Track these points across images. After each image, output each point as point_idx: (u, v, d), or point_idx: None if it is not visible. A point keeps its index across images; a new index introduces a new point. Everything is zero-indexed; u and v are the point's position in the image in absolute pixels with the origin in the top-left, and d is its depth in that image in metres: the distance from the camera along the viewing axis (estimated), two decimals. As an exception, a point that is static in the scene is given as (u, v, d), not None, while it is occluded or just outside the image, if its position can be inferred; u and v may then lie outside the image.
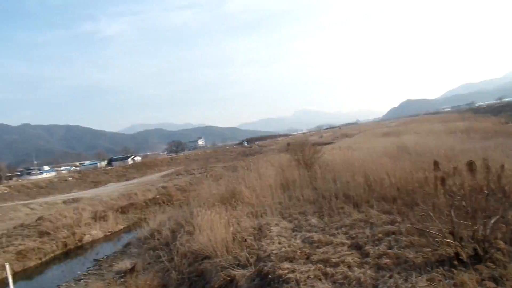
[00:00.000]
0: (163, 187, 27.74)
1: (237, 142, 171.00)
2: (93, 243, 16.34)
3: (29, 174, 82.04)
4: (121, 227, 18.58)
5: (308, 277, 6.54)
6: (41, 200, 28.05)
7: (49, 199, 28.44)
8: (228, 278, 8.10)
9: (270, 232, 9.99)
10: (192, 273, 9.32)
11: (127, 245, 14.20)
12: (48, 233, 16.38)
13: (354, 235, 8.59)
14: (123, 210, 20.31)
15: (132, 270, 10.76)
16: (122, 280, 10.14)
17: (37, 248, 14.36)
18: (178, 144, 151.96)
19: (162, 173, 41.50)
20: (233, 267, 8.34)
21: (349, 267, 6.75)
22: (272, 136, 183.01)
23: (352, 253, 7.45)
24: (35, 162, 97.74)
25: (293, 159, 19.68)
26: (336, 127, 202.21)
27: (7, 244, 14.93)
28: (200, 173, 35.94)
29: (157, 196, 24.00)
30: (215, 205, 13.43)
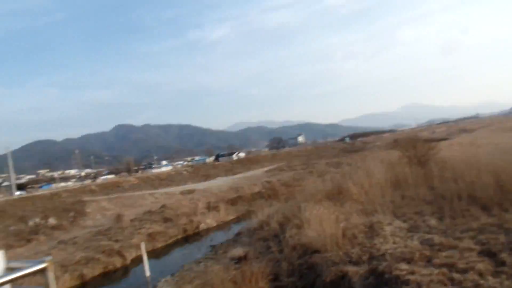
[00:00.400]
0: (268, 182, 28.72)
1: (338, 138, 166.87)
2: (208, 230, 17.85)
3: (150, 168, 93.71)
4: (231, 217, 19.89)
5: (431, 281, 6.08)
6: (162, 190, 31.76)
7: (169, 189, 32.02)
8: (340, 273, 8.03)
9: (383, 231, 9.57)
10: (302, 265, 9.49)
11: (238, 234, 15.11)
12: (171, 220, 18.48)
13: (484, 241, 7.65)
14: (232, 202, 21.71)
15: (245, 257, 11.45)
16: (236, 265, 10.86)
17: (163, 232, 16.36)
18: (279, 140, 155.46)
19: (265, 169, 43.02)
20: (345, 263, 8.25)
21: (481, 275, 6.06)
22: (376, 132, 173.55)
23: (483, 260, 6.66)
24: (155, 157, 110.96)
25: (403, 156, 18.42)
26: (450, 121, 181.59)
27: (140, 227, 17.32)
28: (302, 169, 36.19)
29: (263, 190, 24.98)
30: (321, 200, 13.43)
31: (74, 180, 77.22)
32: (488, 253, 6.99)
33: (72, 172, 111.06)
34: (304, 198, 15.35)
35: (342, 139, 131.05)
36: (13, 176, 52.85)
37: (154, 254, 14.46)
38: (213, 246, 14.05)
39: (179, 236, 16.78)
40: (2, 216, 21.41)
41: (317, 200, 13.18)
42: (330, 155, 54.30)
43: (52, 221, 21.07)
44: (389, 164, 17.76)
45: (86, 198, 25.72)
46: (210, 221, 18.58)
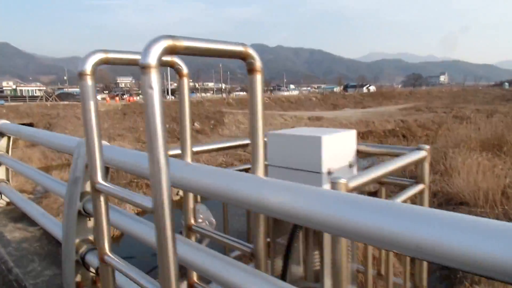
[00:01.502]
0: (402, 121, 26.60)
1: (494, 83, 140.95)
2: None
3: (279, 90, 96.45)
4: (360, 151, 19.38)
5: None
6: (291, 113, 32.57)
7: (297, 113, 32.64)
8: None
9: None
10: (442, 214, 8.81)
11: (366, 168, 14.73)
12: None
13: None
14: (362, 136, 20.96)
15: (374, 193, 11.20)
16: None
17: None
18: (417, 77, 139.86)
19: (399, 106, 39.69)
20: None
21: None
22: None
23: None
24: (285, 80, 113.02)
25: None
26: None
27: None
28: (444, 112, 32.17)
29: (397, 129, 23.32)
30: (474, 150, 11.81)
31: (211, 92, 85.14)
32: None
33: (210, 84, 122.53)
34: (451, 144, 13.74)
35: (499, 84, 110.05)
36: (168, 82, 61.28)
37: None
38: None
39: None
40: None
41: (469, 149, 11.64)
42: (481, 100, 46.56)
43: (197, 125, 24.02)
44: None
45: (224, 110, 28.25)
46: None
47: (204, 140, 21.38)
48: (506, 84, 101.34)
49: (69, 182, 2.04)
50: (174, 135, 22.41)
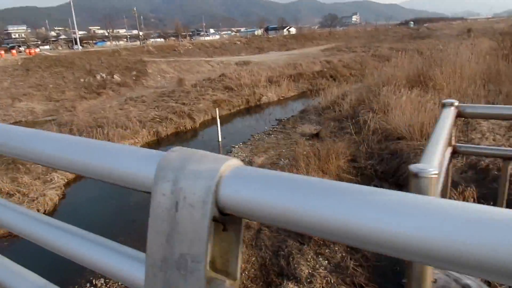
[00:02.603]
0: (327, 62, 27.27)
1: (399, 22, 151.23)
2: (269, 104, 17.81)
3: (199, 35, 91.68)
4: (292, 94, 19.56)
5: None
6: (217, 59, 31.32)
7: (224, 59, 31.51)
8: (430, 163, 7.77)
9: (479, 125, 8.87)
10: (383, 150, 9.29)
11: (304, 111, 14.92)
12: (232, 89, 18.44)
13: None
14: (292, 79, 21.08)
15: (317, 135, 11.40)
16: (309, 142, 10.89)
17: (227, 100, 16.49)
18: (333, 18, 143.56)
19: (321, 47, 40.58)
20: (437, 154, 7.90)
21: None
22: (444, 19, 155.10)
23: None
24: (204, 24, 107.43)
25: (499, 48, 16.19)
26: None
27: (203, 93, 17.49)
28: (363, 51, 33.72)
29: (324, 70, 23.86)
30: (400, 86, 12.50)
31: (124, 40, 77.93)
32: None
33: (121, 31, 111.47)
34: (378, 82, 14.40)
35: (405, 23, 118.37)
36: (75, 30, 53.84)
37: (220, 121, 14.83)
38: (279, 120, 14.06)
39: (242, 107, 16.92)
40: (72, 68, 22.35)
41: (398, 86, 12.26)
42: (392, 39, 49.79)
43: (117, 77, 21.81)
44: (477, 55, 15.73)
45: (145, 59, 25.99)
46: (271, 95, 18.38)
47: (128, 93, 19.58)
48: (411, 23, 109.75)
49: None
50: (92, 90, 20.15)
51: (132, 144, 11.69)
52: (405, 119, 9.53)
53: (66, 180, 9.03)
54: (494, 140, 8.01)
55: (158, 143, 12.32)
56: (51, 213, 7.64)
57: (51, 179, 8.63)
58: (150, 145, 12.08)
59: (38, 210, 7.50)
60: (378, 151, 9.37)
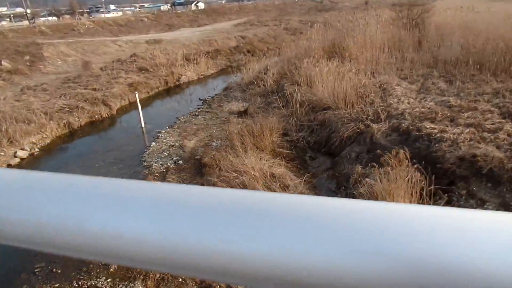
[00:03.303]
0: (242, 37, 27.02)
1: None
2: (189, 84, 17.08)
3: (97, 11, 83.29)
4: (212, 71, 19.00)
5: (465, 138, 6.31)
6: (125, 38, 28.88)
7: (132, 37, 29.18)
8: (358, 130, 8.19)
9: (394, 91, 9.58)
10: (312, 121, 9.54)
11: (227, 89, 14.63)
12: (147, 70, 17.21)
13: (501, 104, 7.93)
14: (210, 56, 20.46)
15: (245, 112, 11.26)
16: (240, 120, 10.71)
17: (144, 82, 15.32)
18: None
19: (234, 22, 40.04)
20: (362, 121, 8.34)
21: (510, 135, 6.37)
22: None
23: (507, 122, 6.97)
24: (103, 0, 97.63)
25: (398, 17, 17.61)
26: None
27: (114, 76, 16.01)
28: (275, 25, 34.14)
29: (241, 45, 23.61)
30: (318, 58, 12.90)
31: (8, 19, 67.62)
32: (510, 115, 7.29)
33: (2, 10, 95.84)
34: (297, 55, 14.69)
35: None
36: None
37: (137, 105, 13.80)
38: (204, 100, 13.59)
39: (161, 88, 15.92)
40: None
41: (315, 58, 12.62)
42: (299, 12, 51.39)
43: (6, 64, 18.75)
44: (379, 24, 16.92)
45: (39, 41, 22.74)
46: (190, 74, 17.62)
47: (23, 82, 17.05)
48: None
49: None
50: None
51: (40, 140, 10.26)
52: (328, 90, 9.88)
53: None
54: (408, 103, 8.73)
55: (71, 135, 11.01)
56: None
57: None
58: (61, 138, 10.74)
59: None
60: (307, 122, 9.61)
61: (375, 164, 5.65)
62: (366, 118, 8.31)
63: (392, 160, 5.19)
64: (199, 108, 12.47)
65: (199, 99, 13.85)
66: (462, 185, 5.48)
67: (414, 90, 9.69)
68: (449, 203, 5.22)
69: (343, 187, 6.71)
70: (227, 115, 11.31)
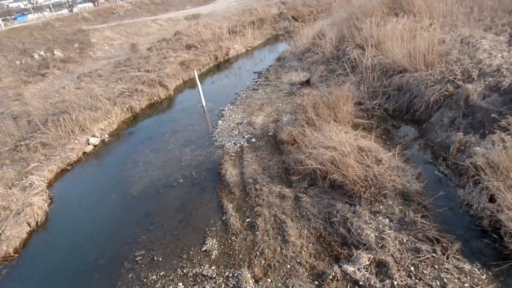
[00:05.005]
0: (282, 2, 25.81)
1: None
2: (238, 57, 16.60)
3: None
4: (259, 42, 18.34)
5: None
6: (163, 16, 28.61)
7: (170, 15, 28.84)
8: (446, 92, 7.40)
9: (481, 45, 8.53)
10: (386, 87, 8.80)
11: (281, 59, 14.01)
12: (195, 47, 16.90)
13: None
14: (254, 26, 19.69)
15: (307, 82, 10.68)
16: (300, 90, 10.16)
17: (194, 60, 15.05)
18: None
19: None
20: (450, 82, 7.51)
21: None
22: None
23: None
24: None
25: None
26: None
27: (164, 56, 15.85)
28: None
29: (284, 11, 22.54)
30: (380, 15, 11.81)
31: (48, 10, 69.75)
32: None
33: (40, 1, 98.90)
34: (352, 15, 13.61)
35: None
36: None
37: (192, 83, 13.61)
38: (259, 73, 13.11)
39: (212, 64, 15.59)
40: (1, 49, 19.28)
41: (376, 16, 11.56)
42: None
43: (58, 53, 19.20)
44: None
45: (85, 27, 23.04)
46: (238, 47, 17.08)
47: (77, 69, 17.41)
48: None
49: None
50: (34, 72, 17.60)
51: (108, 126, 10.38)
52: (402, 50, 9.00)
53: (47, 181, 7.80)
54: (502, 57, 7.71)
55: (134, 119, 11.06)
56: (45, 223, 6.55)
57: (30, 183, 7.36)
58: (126, 123, 10.81)
59: (29, 224, 6.39)
60: (382, 88, 8.89)
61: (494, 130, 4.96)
62: (454, 79, 7.47)
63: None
64: (256, 82, 12.04)
65: (253, 72, 13.38)
66: None
67: (504, 42, 8.57)
68: None
69: (441, 157, 6.09)
70: (288, 87, 10.80)
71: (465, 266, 3.81)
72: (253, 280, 4.25)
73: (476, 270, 3.76)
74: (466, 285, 3.55)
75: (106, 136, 9.86)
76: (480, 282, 3.59)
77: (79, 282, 5.01)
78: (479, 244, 4.22)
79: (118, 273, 5.00)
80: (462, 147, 5.83)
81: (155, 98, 12.09)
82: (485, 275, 3.70)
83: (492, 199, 4.50)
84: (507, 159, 4.50)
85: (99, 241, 5.74)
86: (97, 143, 9.47)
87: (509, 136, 4.71)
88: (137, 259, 5.18)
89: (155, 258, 5.13)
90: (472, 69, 7.45)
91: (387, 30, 9.83)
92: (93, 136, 9.67)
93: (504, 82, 6.60)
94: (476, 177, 4.92)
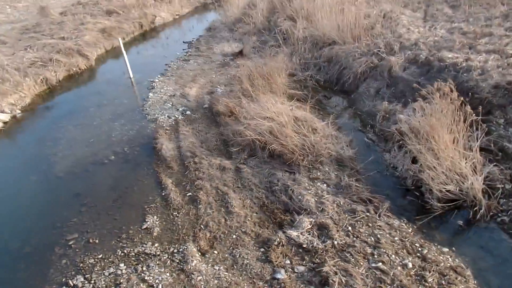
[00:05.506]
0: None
1: None
2: (165, 26, 15.71)
3: None
4: (187, 10, 17.52)
5: (494, 66, 6.15)
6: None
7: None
8: (371, 64, 7.86)
9: (400, 20, 9.16)
10: (317, 58, 9.07)
11: (211, 29, 13.60)
12: (117, 13, 15.54)
13: (515, 28, 7.78)
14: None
15: (240, 53, 10.55)
16: (233, 61, 10.02)
17: (117, 27, 13.85)
18: None
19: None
20: (375, 54, 7.98)
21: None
22: None
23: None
24: None
25: None
26: None
27: (81, 21, 14.35)
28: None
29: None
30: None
31: None
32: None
33: None
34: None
35: None
36: None
37: (115, 53, 12.64)
38: (189, 43, 12.60)
39: (136, 33, 14.52)
40: None
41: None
42: None
43: None
44: None
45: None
46: (165, 14, 16.12)
47: None
48: None
49: None
50: None
51: (19, 100, 9.20)
52: (332, 23, 9.30)
53: None
54: (419, 32, 8.40)
55: (51, 92, 9.96)
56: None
57: None
58: (42, 97, 9.70)
59: None
60: (313, 60, 9.15)
61: (415, 99, 5.42)
62: (378, 51, 7.96)
63: (434, 93, 4.97)
64: (187, 52, 11.56)
65: (183, 42, 12.82)
66: (499, 113, 5.43)
67: (419, 18, 9.32)
68: (488, 133, 5.18)
69: (369, 125, 6.54)
70: (221, 58, 10.57)
71: (394, 222, 4.20)
72: (200, 253, 4.21)
73: (404, 225, 4.18)
74: (396, 238, 3.92)
75: (18, 111, 8.75)
76: (408, 235, 4.00)
77: (1, 274, 4.50)
78: (404, 201, 4.69)
79: (48, 260, 4.58)
80: (387, 115, 6.31)
81: (74, 69, 10.97)
82: (411, 229, 4.13)
83: (414, 161, 4.97)
84: (427, 125, 4.97)
85: (22, 228, 5.17)
86: (7, 120, 8.37)
87: (428, 104, 5.18)
88: (70, 243, 4.78)
89: (90, 240, 4.79)
90: (394, 42, 7.99)
91: (317, 3, 10.02)
92: (2, 112, 8.51)
93: (421, 55, 7.21)
94: (400, 142, 5.37)
